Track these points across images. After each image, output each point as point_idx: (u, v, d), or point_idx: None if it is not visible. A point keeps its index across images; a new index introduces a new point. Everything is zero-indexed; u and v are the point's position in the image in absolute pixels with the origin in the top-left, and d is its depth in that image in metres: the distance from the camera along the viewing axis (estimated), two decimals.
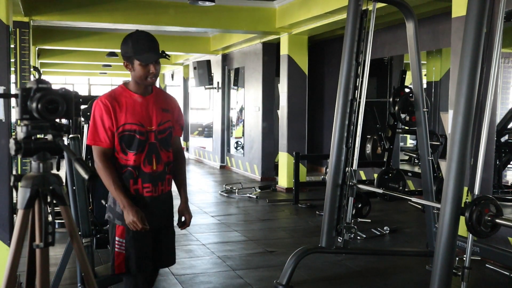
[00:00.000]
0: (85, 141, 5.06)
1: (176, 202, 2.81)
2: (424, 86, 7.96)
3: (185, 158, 2.91)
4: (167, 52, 2.66)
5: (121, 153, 2.62)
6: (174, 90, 16.54)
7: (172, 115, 2.74)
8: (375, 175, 6.91)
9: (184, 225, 2.78)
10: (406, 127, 6.66)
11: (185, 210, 2.78)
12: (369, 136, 6.76)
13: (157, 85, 17.36)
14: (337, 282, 4.47)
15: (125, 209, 2.55)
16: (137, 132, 2.60)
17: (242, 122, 11.61)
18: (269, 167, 10.55)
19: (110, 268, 2.71)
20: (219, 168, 12.41)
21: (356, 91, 4.31)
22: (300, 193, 8.08)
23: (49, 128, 1.76)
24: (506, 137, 7.76)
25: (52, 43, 11.61)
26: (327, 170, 4.50)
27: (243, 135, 11.59)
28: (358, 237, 5.78)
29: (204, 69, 12.19)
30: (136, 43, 2.58)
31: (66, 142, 2.04)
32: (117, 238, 2.64)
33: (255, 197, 8.49)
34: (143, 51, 2.57)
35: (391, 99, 5.83)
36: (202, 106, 15.25)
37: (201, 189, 9.44)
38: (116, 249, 2.65)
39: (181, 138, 2.96)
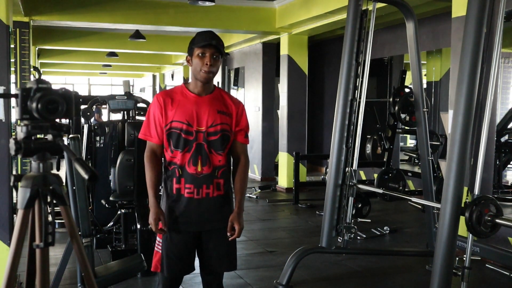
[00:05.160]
0: (85, 141, 5.07)
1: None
2: (424, 86, 7.95)
3: (247, 167, 2.75)
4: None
5: (169, 151, 2.61)
6: None
7: (230, 119, 2.65)
8: (375, 175, 6.91)
9: (232, 235, 2.61)
10: (406, 127, 6.66)
11: (235, 219, 2.61)
12: (369, 136, 6.75)
13: (158, 85, 17.19)
14: (337, 282, 4.47)
15: (151, 208, 2.58)
16: (183, 130, 2.57)
17: None
18: (269, 167, 10.54)
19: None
20: None
21: (356, 91, 4.31)
22: (300, 193, 8.08)
23: (49, 128, 1.75)
24: (506, 137, 7.76)
25: (52, 43, 11.62)
26: (327, 170, 4.49)
27: None
28: (358, 237, 5.78)
29: None
30: (199, 36, 2.60)
31: (66, 142, 2.04)
32: (157, 237, 2.68)
33: (255, 197, 8.49)
34: (203, 40, 2.56)
35: (391, 99, 5.82)
36: None
37: None
38: (155, 248, 2.69)
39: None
